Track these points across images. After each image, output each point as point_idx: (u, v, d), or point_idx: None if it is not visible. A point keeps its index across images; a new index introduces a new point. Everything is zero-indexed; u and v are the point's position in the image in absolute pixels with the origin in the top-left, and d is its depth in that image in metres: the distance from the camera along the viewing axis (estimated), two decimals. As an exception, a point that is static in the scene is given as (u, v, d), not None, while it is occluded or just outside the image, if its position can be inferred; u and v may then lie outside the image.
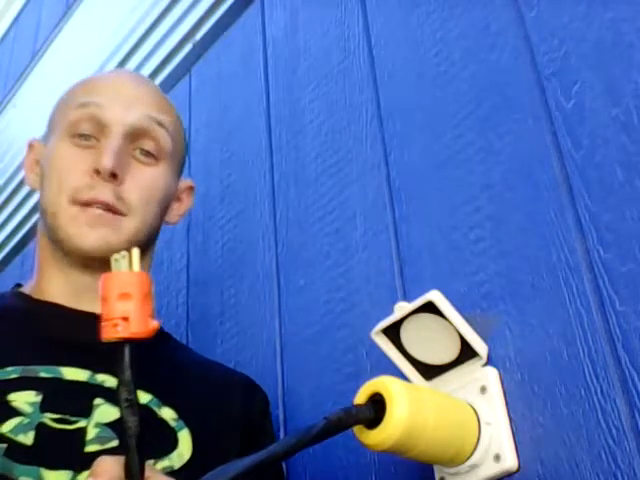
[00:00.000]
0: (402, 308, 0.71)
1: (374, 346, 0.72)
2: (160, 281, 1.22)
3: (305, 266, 0.95)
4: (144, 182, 0.83)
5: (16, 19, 2.18)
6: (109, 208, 0.80)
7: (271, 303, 0.98)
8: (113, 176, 0.80)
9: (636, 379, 0.60)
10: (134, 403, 0.50)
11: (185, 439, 0.74)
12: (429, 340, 0.70)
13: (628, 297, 0.62)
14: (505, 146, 0.77)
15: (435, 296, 0.68)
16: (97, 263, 0.79)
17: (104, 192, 0.80)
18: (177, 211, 0.93)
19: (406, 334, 0.71)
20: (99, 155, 0.80)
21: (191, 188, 0.95)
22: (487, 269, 0.73)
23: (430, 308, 0.68)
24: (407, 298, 0.78)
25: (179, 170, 0.92)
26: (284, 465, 0.86)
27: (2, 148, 1.81)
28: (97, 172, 0.80)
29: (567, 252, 0.67)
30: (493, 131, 0.78)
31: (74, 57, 1.68)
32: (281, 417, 0.90)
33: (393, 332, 0.71)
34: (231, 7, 1.28)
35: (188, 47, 1.36)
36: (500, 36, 0.82)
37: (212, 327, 1.07)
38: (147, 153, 0.84)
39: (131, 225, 0.81)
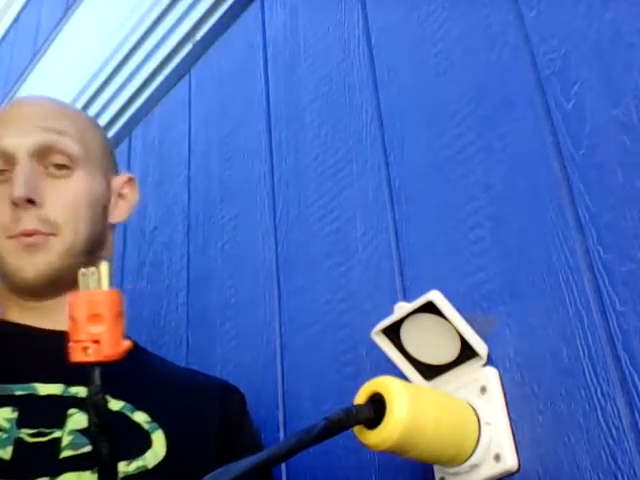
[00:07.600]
0: (402, 308, 0.71)
1: (374, 346, 0.72)
2: (160, 281, 1.22)
3: (305, 266, 0.95)
4: (65, 196, 0.84)
5: (16, 19, 2.18)
6: (38, 233, 0.82)
7: (271, 303, 0.98)
8: (30, 202, 0.82)
9: (636, 379, 0.60)
10: (105, 429, 0.47)
11: (159, 439, 0.76)
12: (429, 340, 0.70)
13: (628, 297, 0.62)
14: (505, 146, 0.77)
15: (435, 296, 0.68)
16: (48, 290, 0.82)
17: (28, 221, 0.82)
18: (122, 207, 0.93)
19: (406, 334, 0.71)
20: (12, 186, 0.82)
21: (130, 180, 0.96)
22: (487, 269, 0.73)
23: (430, 308, 0.68)
24: (407, 298, 0.78)
25: (104, 168, 0.91)
26: (284, 466, 0.86)
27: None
28: (15, 204, 0.82)
29: (567, 252, 0.67)
30: (493, 131, 0.78)
31: (74, 57, 1.68)
32: (281, 418, 0.89)
33: (393, 332, 0.71)
34: (231, 7, 1.28)
35: (188, 47, 1.36)
36: (500, 36, 0.81)
37: (212, 327, 1.06)
38: (60, 166, 0.85)
39: (64, 241, 0.83)
